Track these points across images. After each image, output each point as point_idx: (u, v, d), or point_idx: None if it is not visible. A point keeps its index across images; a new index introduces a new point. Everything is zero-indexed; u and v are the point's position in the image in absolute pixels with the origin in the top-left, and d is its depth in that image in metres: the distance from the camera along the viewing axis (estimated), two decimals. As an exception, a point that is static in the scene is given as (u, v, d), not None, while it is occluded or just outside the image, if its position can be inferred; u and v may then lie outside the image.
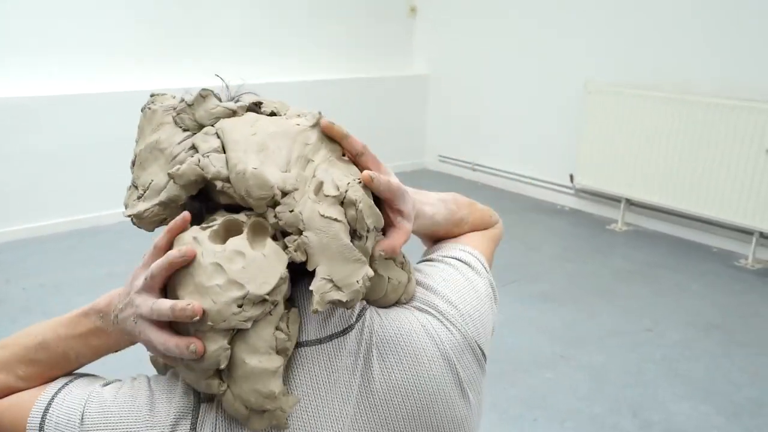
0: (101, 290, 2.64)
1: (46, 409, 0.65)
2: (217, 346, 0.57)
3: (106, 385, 0.68)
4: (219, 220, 0.63)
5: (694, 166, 3.58)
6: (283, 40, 4.54)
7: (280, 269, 0.59)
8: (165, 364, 0.71)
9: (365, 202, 0.62)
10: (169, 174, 0.65)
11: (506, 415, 2.16)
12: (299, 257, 0.60)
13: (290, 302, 0.66)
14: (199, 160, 0.63)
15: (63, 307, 2.87)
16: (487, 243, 0.88)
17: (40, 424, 0.64)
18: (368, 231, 0.62)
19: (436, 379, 0.67)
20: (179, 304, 0.57)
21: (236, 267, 0.58)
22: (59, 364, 0.70)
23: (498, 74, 4.75)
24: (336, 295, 0.59)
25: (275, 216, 0.62)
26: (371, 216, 0.62)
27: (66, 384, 0.69)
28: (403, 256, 0.71)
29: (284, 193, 0.62)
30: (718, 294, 3.08)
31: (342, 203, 0.61)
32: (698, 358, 2.52)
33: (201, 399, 0.63)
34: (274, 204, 0.62)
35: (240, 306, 0.57)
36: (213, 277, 0.57)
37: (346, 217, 0.61)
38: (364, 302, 0.70)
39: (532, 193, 4.66)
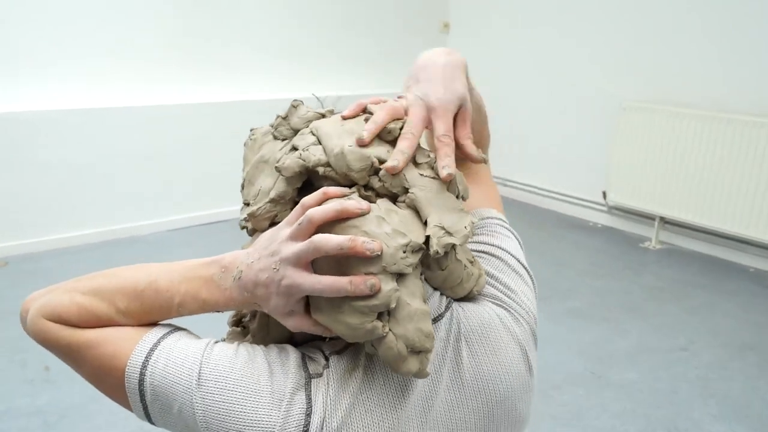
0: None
1: (150, 352, 0.66)
2: (389, 287, 0.61)
3: (214, 343, 0.68)
4: (349, 193, 0.67)
5: (729, 184, 3.54)
6: (315, 55, 4.62)
7: (422, 226, 0.65)
8: (238, 335, 0.77)
9: (458, 174, 0.70)
10: (276, 167, 0.70)
11: (539, 431, 2.15)
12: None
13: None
14: (300, 154, 0.69)
15: (101, 315, 2.95)
16: (490, 180, 0.95)
17: (143, 363, 0.65)
18: (458, 196, 0.69)
19: (515, 366, 0.73)
20: (359, 238, 0.60)
21: (395, 220, 0.64)
22: (161, 310, 0.69)
23: (530, 90, 4.76)
24: (449, 239, 0.64)
25: (379, 180, 0.67)
26: (461, 183, 0.70)
27: (170, 332, 0.69)
28: (473, 257, 0.76)
29: (381, 162, 0.67)
30: (754, 314, 3.03)
31: (432, 168, 0.69)
32: (733, 378, 2.48)
33: (311, 375, 0.66)
34: (375, 171, 0.67)
35: (404, 252, 0.62)
36: (381, 226, 0.63)
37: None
38: (449, 299, 0.74)
39: (564, 209, 4.65)
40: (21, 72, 3.58)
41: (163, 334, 0.68)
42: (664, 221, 3.98)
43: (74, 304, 0.70)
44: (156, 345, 0.66)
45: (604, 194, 4.28)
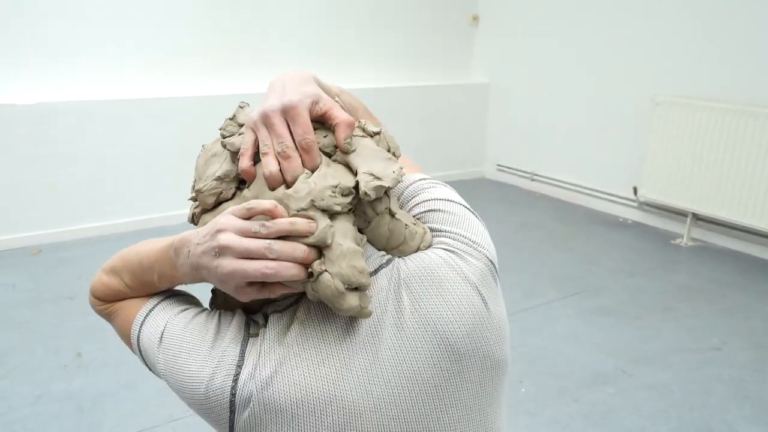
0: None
1: (143, 323, 0.80)
2: (324, 223, 0.67)
3: (182, 311, 0.79)
4: None
5: (766, 181, 3.46)
6: (344, 48, 4.61)
7: (353, 177, 0.71)
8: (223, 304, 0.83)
9: (385, 132, 0.76)
10: (221, 143, 0.77)
11: (568, 430, 2.13)
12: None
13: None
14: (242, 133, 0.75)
15: (132, 303, 2.98)
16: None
17: (138, 332, 0.80)
18: (388, 151, 0.75)
19: (465, 300, 0.72)
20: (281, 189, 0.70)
21: (323, 170, 0.70)
22: (149, 284, 0.82)
23: (561, 84, 4.70)
24: (377, 182, 0.69)
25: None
26: (391, 142, 0.77)
27: (160, 302, 0.82)
28: (416, 220, 0.79)
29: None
30: (791, 315, 2.96)
31: (363, 129, 0.77)
32: (769, 381, 2.43)
33: (250, 335, 0.73)
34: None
35: (334, 193, 0.68)
36: (309, 176, 0.70)
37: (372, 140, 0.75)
38: (392, 255, 0.77)
39: (593, 204, 4.59)
40: (51, 63, 3.63)
41: (155, 304, 0.82)
42: (697, 218, 3.90)
43: (100, 282, 0.86)
44: (148, 313, 0.81)
45: (635, 190, 4.22)
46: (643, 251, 3.78)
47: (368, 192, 0.69)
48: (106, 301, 0.86)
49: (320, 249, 0.67)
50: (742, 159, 3.56)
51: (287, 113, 0.70)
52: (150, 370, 0.82)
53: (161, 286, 0.81)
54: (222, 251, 0.66)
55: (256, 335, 0.72)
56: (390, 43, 4.82)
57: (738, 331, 2.80)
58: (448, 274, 0.73)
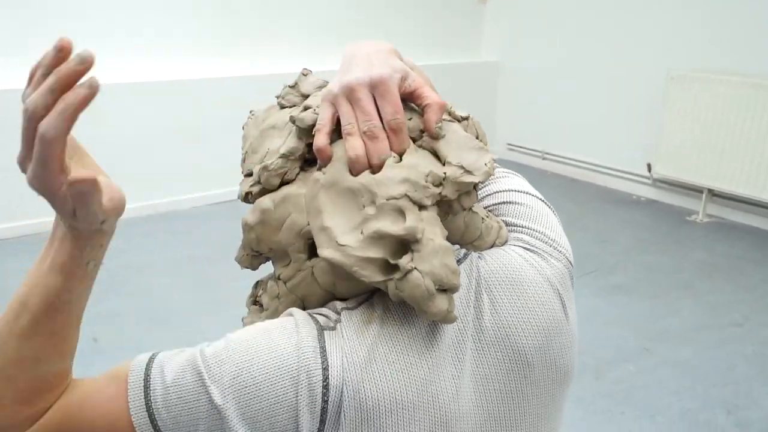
0: (183, 272, 2.77)
1: (146, 392, 0.58)
2: (414, 216, 0.60)
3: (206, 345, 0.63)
4: None
5: (784, 156, 3.41)
6: (352, 27, 4.54)
7: (441, 167, 0.63)
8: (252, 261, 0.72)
9: (473, 117, 0.70)
10: (290, 118, 0.67)
11: (592, 408, 2.11)
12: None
13: None
14: (314, 110, 0.66)
15: (148, 287, 2.97)
16: None
17: (147, 411, 0.58)
18: (477, 138, 0.68)
19: (545, 305, 0.67)
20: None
21: (413, 157, 0.62)
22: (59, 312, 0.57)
23: (572, 61, 4.63)
24: (468, 178, 0.62)
25: None
26: (479, 128, 0.70)
27: (150, 362, 0.61)
28: (488, 210, 0.74)
29: None
30: (812, 290, 2.93)
31: (449, 113, 0.69)
32: (793, 356, 2.41)
33: (323, 326, 0.62)
34: None
35: (426, 182, 0.61)
36: (398, 161, 0.62)
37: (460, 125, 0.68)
38: (467, 250, 0.71)
39: (606, 182, 4.54)
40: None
41: (145, 370, 0.60)
42: (713, 194, 3.86)
43: (27, 416, 0.58)
44: (147, 384, 0.59)
45: (649, 166, 4.17)
46: (657, 229, 3.75)
47: (457, 185, 0.61)
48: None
49: (408, 244, 0.60)
50: (759, 133, 3.51)
51: (376, 88, 0.62)
52: None
53: (69, 297, 0.58)
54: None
55: (332, 328, 0.62)
56: (399, 22, 4.75)
57: (759, 308, 2.77)
58: (531, 275, 0.67)
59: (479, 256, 0.68)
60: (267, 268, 0.76)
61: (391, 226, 0.59)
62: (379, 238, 0.59)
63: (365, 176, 0.61)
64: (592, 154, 4.62)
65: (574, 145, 4.74)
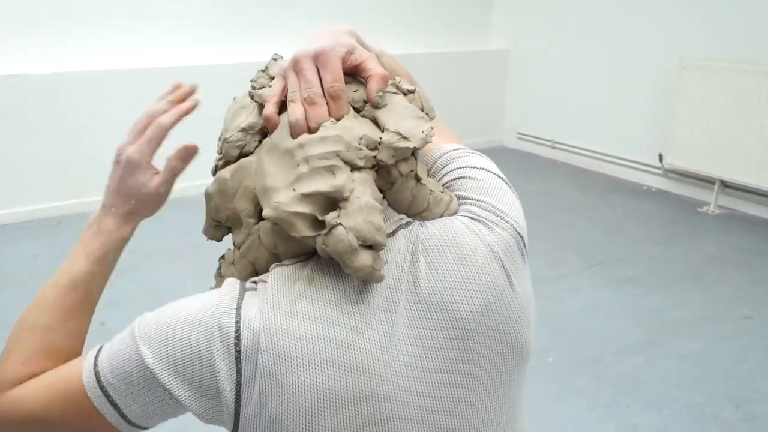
0: (190, 259, 2.78)
1: (96, 356, 0.67)
2: (345, 175, 0.63)
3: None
4: None
5: (798, 147, 3.36)
6: (358, 14, 4.51)
7: (380, 133, 0.66)
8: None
9: (421, 92, 0.72)
10: (248, 93, 0.74)
11: (597, 399, 2.10)
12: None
13: None
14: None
15: (155, 274, 2.97)
16: (443, 123, 0.87)
17: (94, 367, 0.66)
18: (422, 110, 0.70)
19: (483, 269, 0.66)
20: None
21: (349, 121, 0.66)
22: (76, 302, 0.75)
23: (582, 49, 4.58)
24: (404, 143, 0.64)
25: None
26: (426, 102, 0.72)
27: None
28: (445, 187, 0.75)
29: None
30: (823, 283, 2.90)
31: (397, 86, 0.72)
32: (803, 350, 2.38)
33: (246, 288, 0.66)
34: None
35: (360, 144, 0.64)
36: (334, 125, 0.66)
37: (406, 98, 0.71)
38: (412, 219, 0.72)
39: (615, 172, 4.50)
40: (70, 31, 3.58)
41: (100, 346, 0.69)
42: (725, 185, 3.81)
43: (23, 373, 0.69)
44: (98, 350, 0.68)
45: (660, 157, 4.12)
46: (668, 219, 3.71)
47: (393, 150, 0.64)
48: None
49: (337, 202, 0.63)
50: (772, 124, 3.46)
51: (318, 59, 0.67)
52: (127, 420, 0.65)
53: (95, 280, 0.77)
54: (120, 151, 0.79)
55: (254, 289, 0.66)
56: (407, 9, 4.71)
57: (769, 300, 2.74)
58: (472, 241, 0.67)
59: (421, 224, 0.69)
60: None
61: (321, 183, 0.62)
62: (308, 194, 0.62)
63: (302, 137, 0.65)
64: (602, 143, 4.57)
65: (584, 135, 4.70)
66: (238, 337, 0.62)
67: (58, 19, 3.54)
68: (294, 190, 0.63)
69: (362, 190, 0.63)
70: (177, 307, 0.66)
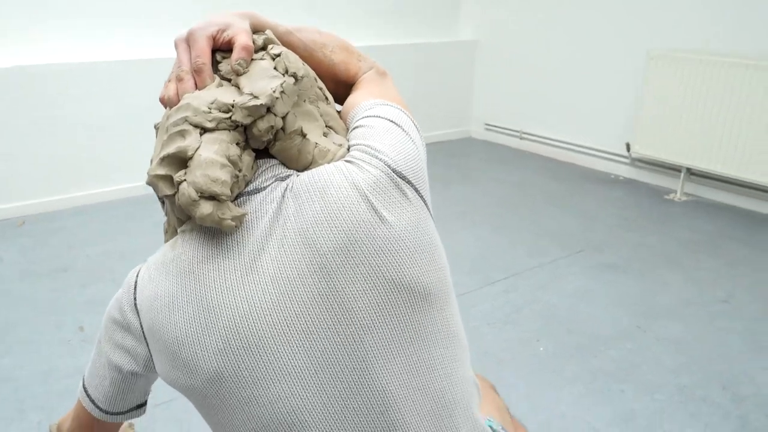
0: None
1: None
2: (191, 138, 0.70)
3: None
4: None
5: (762, 134, 3.48)
6: (329, 6, 4.45)
7: (235, 96, 0.73)
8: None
9: (286, 54, 0.77)
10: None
11: (592, 386, 2.13)
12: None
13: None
14: None
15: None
16: (386, 85, 0.90)
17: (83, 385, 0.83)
18: (285, 73, 0.75)
19: (344, 206, 0.69)
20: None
21: (209, 90, 0.74)
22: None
23: (551, 40, 4.63)
24: (253, 102, 0.71)
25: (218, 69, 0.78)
26: (291, 63, 0.77)
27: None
28: (343, 141, 0.79)
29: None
30: (791, 266, 3.01)
31: (267, 51, 0.78)
32: (780, 331, 2.46)
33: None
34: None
35: (209, 109, 0.71)
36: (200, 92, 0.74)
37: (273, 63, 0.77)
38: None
39: (584, 162, 4.58)
40: (32, 24, 3.42)
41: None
42: (690, 172, 3.92)
43: None
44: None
45: (628, 146, 4.21)
46: (638, 207, 3.80)
47: (246, 110, 0.71)
48: None
49: (186, 162, 0.70)
50: (736, 113, 3.57)
51: (188, 40, 0.75)
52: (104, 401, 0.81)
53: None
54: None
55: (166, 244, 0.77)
56: (377, 1, 4.68)
57: (744, 284, 2.83)
58: (336, 180, 0.70)
59: (297, 174, 0.74)
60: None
61: (172, 147, 0.70)
62: (164, 158, 0.70)
63: (168, 111, 0.73)
64: (571, 134, 4.64)
65: (553, 126, 4.76)
66: (135, 288, 0.74)
67: (49, 12, 3.38)
68: (157, 156, 0.72)
69: (207, 148, 0.69)
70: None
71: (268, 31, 0.81)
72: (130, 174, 3.82)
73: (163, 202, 0.86)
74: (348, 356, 0.68)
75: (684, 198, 3.92)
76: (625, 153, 4.27)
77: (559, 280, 2.86)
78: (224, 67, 0.76)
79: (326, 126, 0.79)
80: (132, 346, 0.74)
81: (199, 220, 0.68)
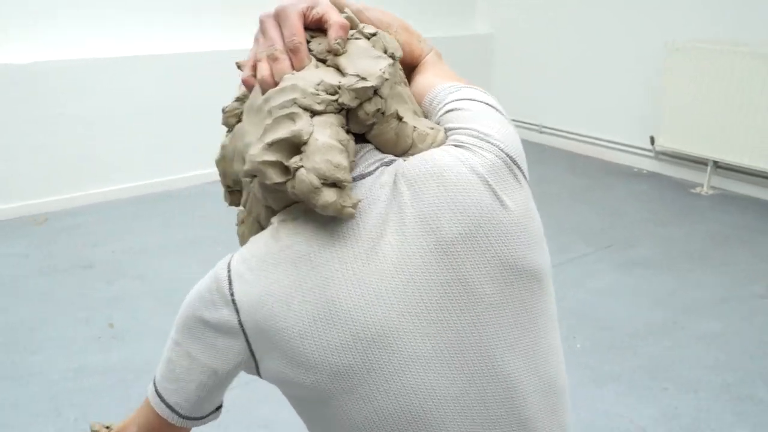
0: (189, 253, 2.69)
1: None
2: (303, 121, 0.66)
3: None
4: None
5: (792, 127, 3.42)
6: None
7: (336, 77, 0.69)
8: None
9: (384, 34, 0.75)
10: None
11: (633, 384, 2.09)
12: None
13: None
14: None
15: (155, 269, 2.85)
16: (446, 67, 0.90)
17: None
18: (385, 52, 0.73)
19: (466, 190, 0.67)
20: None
21: (310, 70, 0.70)
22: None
23: (570, 32, 4.57)
24: (362, 83, 0.67)
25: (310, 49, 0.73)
26: (389, 42, 0.74)
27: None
28: (434, 125, 0.76)
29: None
30: (825, 260, 2.96)
31: (361, 32, 0.74)
32: (820, 326, 2.42)
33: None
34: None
35: (317, 90, 0.67)
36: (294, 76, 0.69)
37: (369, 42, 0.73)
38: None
39: (606, 156, 4.52)
40: (49, 20, 3.39)
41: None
42: (717, 165, 3.87)
43: None
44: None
45: (652, 139, 4.16)
46: (664, 201, 3.74)
47: (353, 92, 0.67)
48: None
49: (299, 147, 0.66)
50: (762, 103, 3.51)
51: (278, 17, 0.71)
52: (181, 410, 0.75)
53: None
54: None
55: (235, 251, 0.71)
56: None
57: (778, 278, 2.78)
58: (452, 164, 0.68)
59: (404, 159, 0.71)
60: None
61: (282, 131, 0.66)
62: (273, 143, 0.66)
63: (268, 92, 0.69)
64: (592, 127, 4.59)
65: (573, 119, 4.71)
66: (230, 283, 0.68)
67: (49, 7, 3.35)
68: (262, 141, 0.67)
69: (321, 132, 0.66)
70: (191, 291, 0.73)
71: (347, 9, 0.77)
72: (150, 171, 3.79)
73: (231, 191, 0.82)
74: (474, 343, 0.66)
75: (711, 192, 3.87)
76: (649, 146, 4.21)
77: (589, 276, 2.82)
78: (315, 46, 0.71)
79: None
80: (227, 346, 0.69)
81: (321, 208, 0.65)
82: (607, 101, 4.45)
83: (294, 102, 0.66)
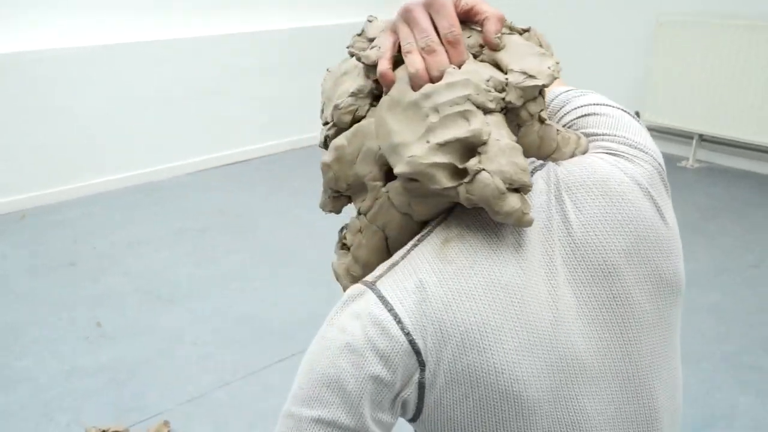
0: (177, 245, 2.62)
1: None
2: (479, 119, 0.60)
3: None
4: None
5: (777, 97, 3.42)
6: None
7: (494, 73, 0.63)
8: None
9: (535, 29, 0.69)
10: (354, 55, 0.69)
11: (636, 359, 2.07)
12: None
13: None
14: (380, 47, 0.66)
15: (143, 263, 2.78)
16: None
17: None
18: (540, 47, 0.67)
19: (633, 204, 0.64)
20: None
21: (471, 66, 0.63)
22: None
23: (555, 7, 4.53)
24: (531, 81, 0.61)
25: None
26: (543, 39, 0.68)
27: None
28: (567, 127, 0.72)
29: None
30: (815, 228, 2.97)
31: (510, 27, 0.68)
32: (815, 293, 2.42)
33: (373, 281, 0.64)
34: None
35: (487, 86, 0.61)
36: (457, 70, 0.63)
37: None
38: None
39: (591, 132, 4.50)
40: (29, 9, 3.26)
41: None
42: (702, 138, 3.86)
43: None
44: None
45: (638, 114, 4.14)
46: (652, 175, 3.74)
47: (521, 90, 0.62)
48: None
49: (475, 148, 0.60)
50: (748, 76, 3.50)
51: (431, 6, 0.63)
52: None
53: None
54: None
55: (395, 263, 0.63)
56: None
57: (771, 248, 2.79)
58: (616, 175, 0.64)
59: (558, 164, 0.67)
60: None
61: (457, 130, 0.60)
62: (444, 143, 0.60)
63: (425, 87, 0.61)
64: (576, 104, 4.56)
65: (557, 96, 4.67)
66: (400, 322, 0.58)
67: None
68: (428, 141, 0.60)
69: (499, 133, 0.61)
70: (313, 357, 0.61)
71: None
72: (130, 163, 3.69)
73: (348, 199, 0.74)
74: (627, 361, 0.65)
75: (696, 165, 3.87)
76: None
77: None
78: (465, 39, 0.65)
79: None
80: (404, 400, 0.60)
81: (504, 216, 0.59)
82: (593, 76, 4.42)
83: (468, 99, 0.60)
